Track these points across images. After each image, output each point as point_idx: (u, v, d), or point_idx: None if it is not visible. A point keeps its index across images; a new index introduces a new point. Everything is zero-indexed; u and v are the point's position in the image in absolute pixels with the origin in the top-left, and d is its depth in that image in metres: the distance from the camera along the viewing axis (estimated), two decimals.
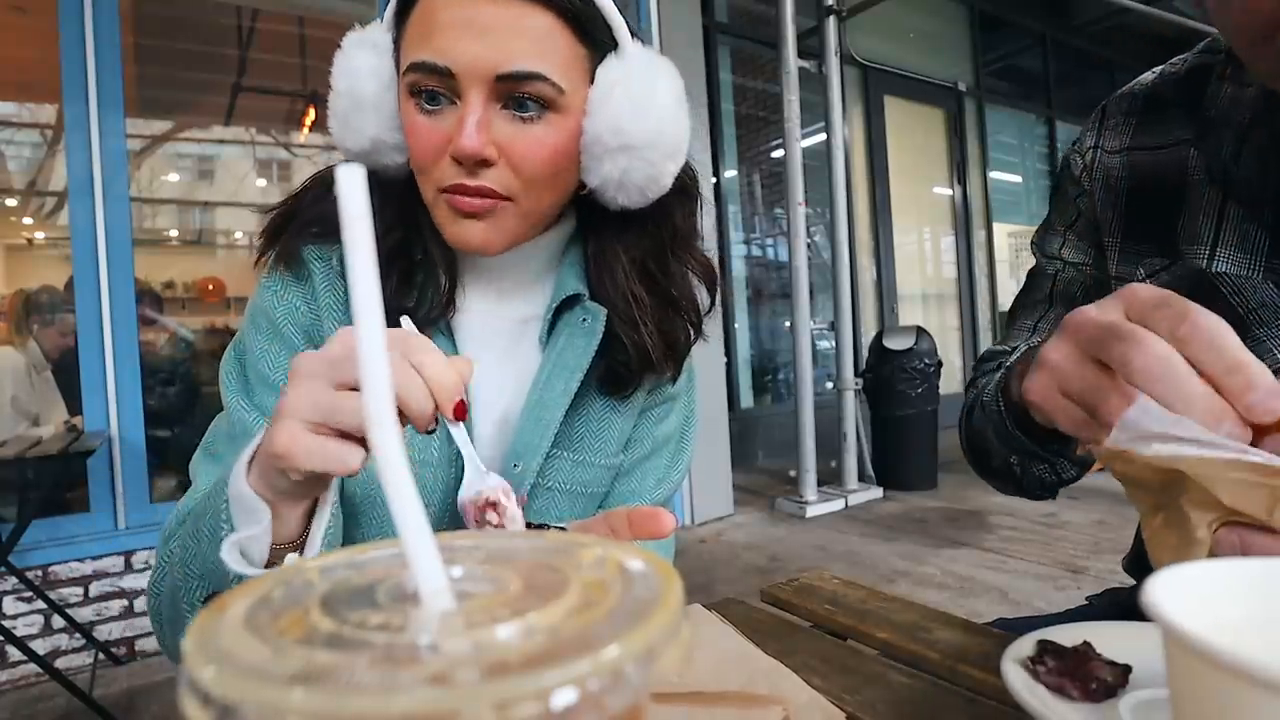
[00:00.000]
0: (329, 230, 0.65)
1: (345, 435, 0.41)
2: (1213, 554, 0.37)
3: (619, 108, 0.59)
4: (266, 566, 0.47)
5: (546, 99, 0.58)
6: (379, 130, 0.62)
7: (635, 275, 0.68)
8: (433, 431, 0.43)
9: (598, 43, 0.61)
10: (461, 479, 0.60)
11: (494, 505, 0.50)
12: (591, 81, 0.61)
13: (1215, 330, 0.36)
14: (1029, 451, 0.62)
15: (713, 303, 0.73)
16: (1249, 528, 0.35)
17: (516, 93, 0.57)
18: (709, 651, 0.54)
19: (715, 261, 0.76)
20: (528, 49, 0.57)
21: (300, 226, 0.66)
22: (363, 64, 0.61)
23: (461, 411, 0.43)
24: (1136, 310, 0.40)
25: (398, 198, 0.65)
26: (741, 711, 0.42)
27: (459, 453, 0.62)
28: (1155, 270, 0.67)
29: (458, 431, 0.47)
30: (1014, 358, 0.71)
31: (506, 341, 0.70)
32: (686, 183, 0.68)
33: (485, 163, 0.58)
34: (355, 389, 0.41)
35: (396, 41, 0.62)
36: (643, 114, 0.60)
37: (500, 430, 0.69)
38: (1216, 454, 0.35)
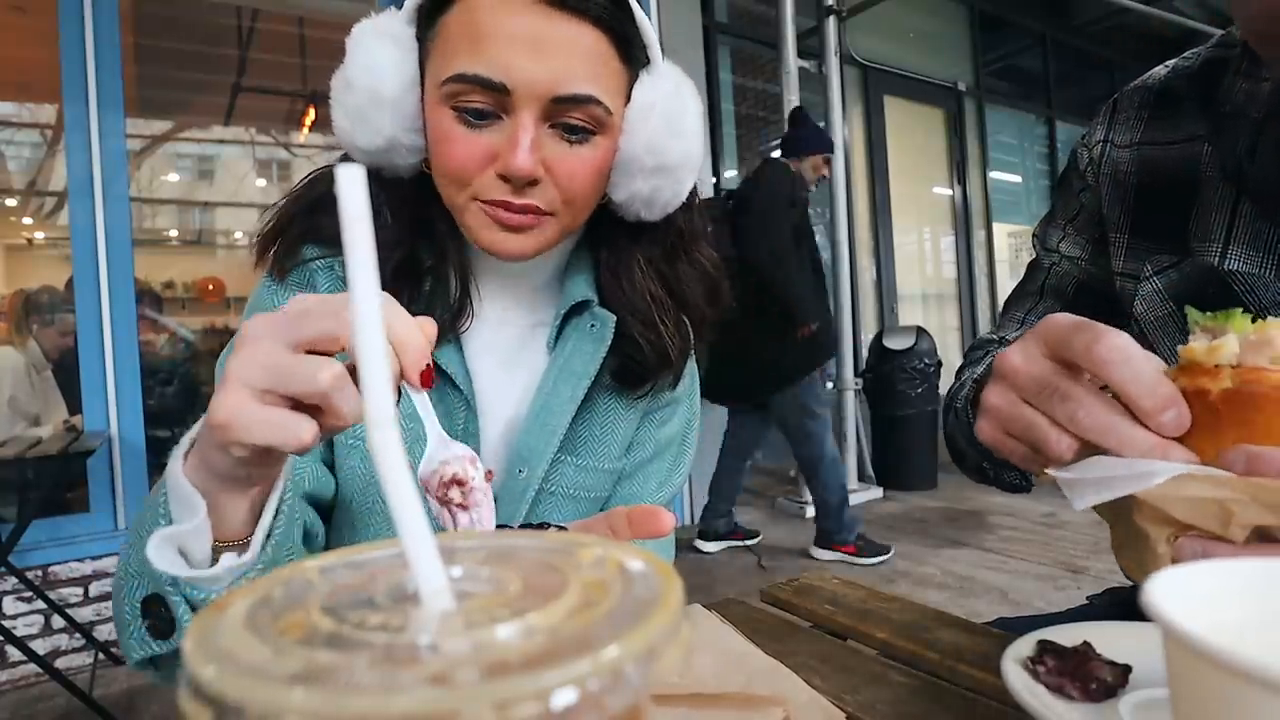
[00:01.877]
0: (328, 240, 0.64)
1: (298, 406, 0.36)
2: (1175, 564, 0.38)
3: (656, 129, 0.60)
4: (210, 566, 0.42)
5: (598, 120, 0.58)
6: (396, 130, 0.59)
7: (652, 276, 0.68)
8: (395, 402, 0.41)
9: (636, 61, 0.60)
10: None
11: (460, 483, 0.44)
12: (627, 100, 0.60)
13: (1126, 352, 0.38)
14: (998, 462, 0.63)
15: (716, 311, 0.73)
16: (1208, 538, 0.36)
17: (568, 115, 0.57)
18: (709, 651, 0.54)
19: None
20: (583, 71, 0.56)
21: (298, 235, 0.64)
22: (385, 59, 0.58)
23: (428, 380, 0.39)
24: (1053, 340, 0.42)
25: (406, 201, 0.63)
26: (742, 712, 0.42)
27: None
28: (1163, 267, 0.66)
29: (419, 399, 0.42)
30: (981, 369, 0.71)
31: (514, 347, 0.69)
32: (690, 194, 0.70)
33: (533, 181, 0.57)
34: (315, 351, 0.36)
35: (423, 40, 0.59)
36: (678, 135, 0.60)
37: (506, 435, 0.68)
38: (1155, 481, 0.36)
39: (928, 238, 6.18)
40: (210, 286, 4.78)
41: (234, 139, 5.01)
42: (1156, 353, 0.62)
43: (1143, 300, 0.67)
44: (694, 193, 0.70)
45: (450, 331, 0.64)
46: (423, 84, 0.59)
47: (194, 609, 0.45)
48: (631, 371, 0.68)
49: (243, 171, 5.16)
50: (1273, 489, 0.33)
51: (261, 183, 5.19)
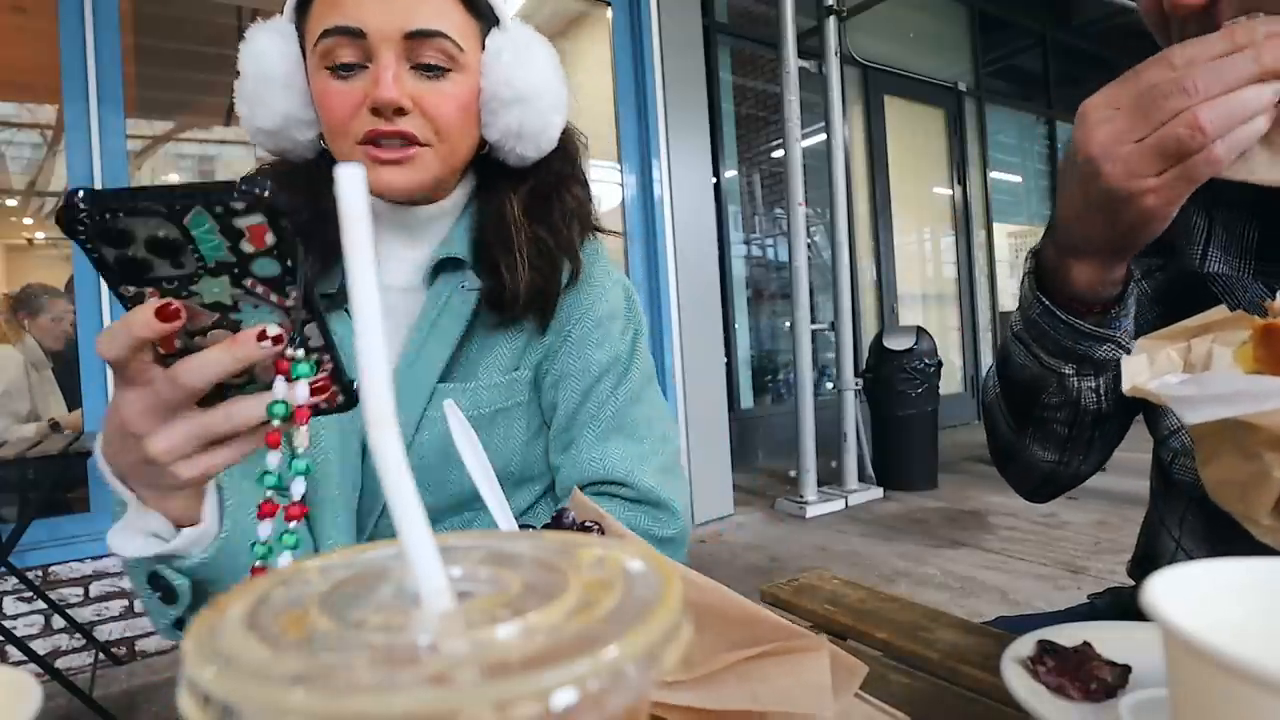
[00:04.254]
0: None
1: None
2: None
3: (508, 66, 0.69)
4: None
5: (450, 56, 0.66)
6: (289, 106, 0.68)
7: (521, 213, 0.74)
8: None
9: (484, 16, 0.70)
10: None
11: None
12: (483, 49, 0.70)
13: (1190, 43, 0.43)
14: (1079, 334, 0.58)
15: (584, 236, 0.78)
16: None
17: (424, 53, 0.65)
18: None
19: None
20: (429, 11, 0.64)
21: None
22: (269, 47, 0.67)
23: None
24: (1125, 85, 0.46)
25: (306, 178, 0.71)
26: (791, 657, 0.40)
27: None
28: (1151, 270, 0.67)
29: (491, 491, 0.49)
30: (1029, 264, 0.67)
31: (413, 308, 0.74)
32: (563, 136, 0.76)
33: (401, 111, 0.64)
34: (200, 399, 0.42)
35: (300, 28, 0.68)
36: (527, 69, 0.69)
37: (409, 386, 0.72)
38: (1271, 405, 0.34)
39: (928, 238, 6.18)
40: None
41: (234, 139, 5.00)
42: None
43: (1134, 304, 0.68)
44: (573, 140, 0.78)
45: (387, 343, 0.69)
46: (306, 65, 0.67)
47: (185, 574, 0.52)
48: (499, 298, 0.72)
49: (243, 172, 5.15)
50: None
51: None
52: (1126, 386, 0.41)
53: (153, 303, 0.38)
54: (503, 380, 0.74)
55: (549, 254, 0.74)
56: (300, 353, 0.41)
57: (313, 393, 0.42)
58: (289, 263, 0.38)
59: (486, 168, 0.76)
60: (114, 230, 0.36)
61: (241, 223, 0.36)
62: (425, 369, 0.71)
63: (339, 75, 0.64)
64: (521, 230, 0.73)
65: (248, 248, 0.37)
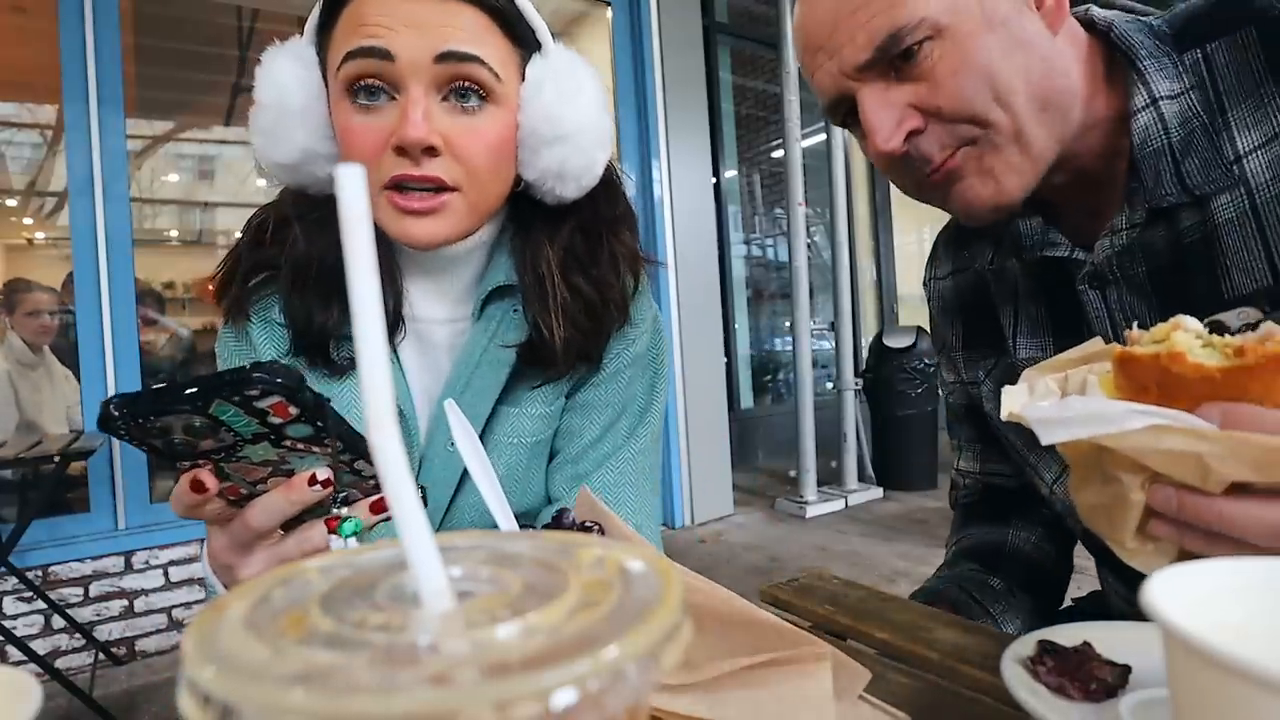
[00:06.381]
0: (268, 274, 0.69)
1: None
2: (1148, 513, 0.38)
3: (550, 100, 0.62)
4: None
5: (486, 86, 0.60)
6: (309, 140, 0.62)
7: (559, 268, 0.68)
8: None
9: (525, 42, 0.63)
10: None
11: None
12: (522, 79, 0.63)
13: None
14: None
15: (637, 285, 0.73)
16: (1184, 488, 0.36)
17: (457, 78, 0.59)
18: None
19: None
20: (464, 36, 0.58)
21: (243, 278, 0.69)
22: (289, 75, 0.61)
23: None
24: None
25: (329, 214, 0.66)
26: (795, 667, 0.40)
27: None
28: (990, 369, 0.74)
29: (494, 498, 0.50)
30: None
31: (446, 344, 0.72)
32: (608, 174, 0.70)
33: (431, 151, 0.58)
34: (262, 535, 0.46)
35: (322, 52, 0.62)
36: (572, 104, 0.62)
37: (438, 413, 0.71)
38: (1129, 426, 0.35)
39: (928, 238, 6.18)
40: (211, 287, 4.76)
41: (234, 139, 5.00)
42: (1015, 451, 0.73)
43: (986, 400, 0.75)
44: (616, 178, 0.72)
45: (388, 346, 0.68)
46: (328, 94, 0.62)
47: None
48: (536, 351, 0.69)
49: (243, 172, 5.15)
50: (1254, 444, 0.33)
51: (261, 183, 5.17)
52: (1004, 413, 0.43)
53: (186, 477, 0.42)
54: (547, 411, 0.72)
55: (595, 311, 0.69)
56: (345, 510, 0.47)
57: (374, 511, 0.47)
58: (319, 423, 0.41)
59: (522, 202, 0.69)
60: (152, 428, 0.39)
61: (262, 404, 0.38)
62: (480, 394, 0.69)
63: (363, 108, 0.59)
64: (559, 288, 0.67)
65: (275, 420, 0.40)
